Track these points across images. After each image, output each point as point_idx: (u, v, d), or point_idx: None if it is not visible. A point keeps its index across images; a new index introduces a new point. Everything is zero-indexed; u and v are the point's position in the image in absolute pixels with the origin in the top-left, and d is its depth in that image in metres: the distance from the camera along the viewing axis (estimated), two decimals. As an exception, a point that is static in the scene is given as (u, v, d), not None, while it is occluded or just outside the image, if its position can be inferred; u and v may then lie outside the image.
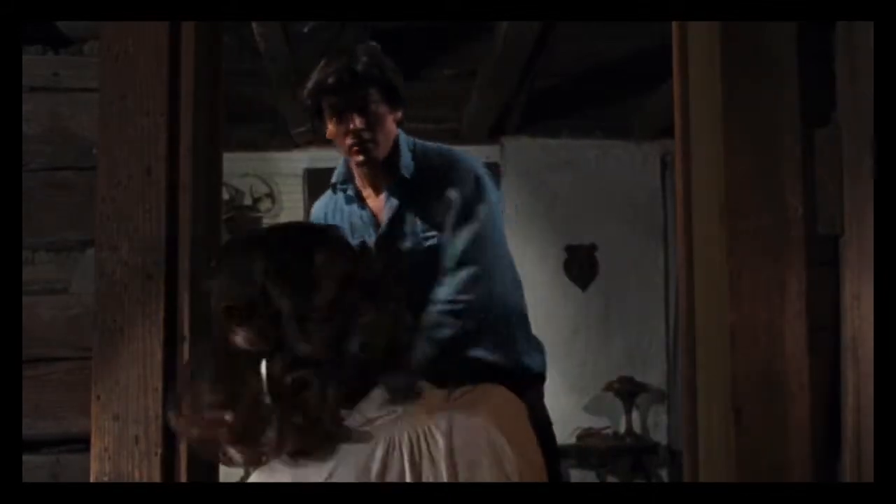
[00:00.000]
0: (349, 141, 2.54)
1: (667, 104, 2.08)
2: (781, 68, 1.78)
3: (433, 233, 2.60)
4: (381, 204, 2.65)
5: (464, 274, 2.56)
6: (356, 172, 2.67)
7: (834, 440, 1.76)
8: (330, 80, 2.51)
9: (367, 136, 2.53)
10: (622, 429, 5.48)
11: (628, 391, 5.42)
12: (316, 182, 5.32)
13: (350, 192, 2.69)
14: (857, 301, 1.74)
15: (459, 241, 2.57)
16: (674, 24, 1.96)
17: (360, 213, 2.68)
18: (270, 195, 5.33)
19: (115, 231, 1.73)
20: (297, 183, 5.36)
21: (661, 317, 5.55)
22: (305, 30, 4.19)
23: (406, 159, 2.62)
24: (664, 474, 5.44)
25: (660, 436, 5.54)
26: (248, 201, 5.29)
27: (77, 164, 1.79)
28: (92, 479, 1.68)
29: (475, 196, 2.59)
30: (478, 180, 2.61)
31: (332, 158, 5.26)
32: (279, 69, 4.17)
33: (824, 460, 1.75)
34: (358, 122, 2.51)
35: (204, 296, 1.40)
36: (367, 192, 2.68)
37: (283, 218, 5.36)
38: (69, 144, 1.80)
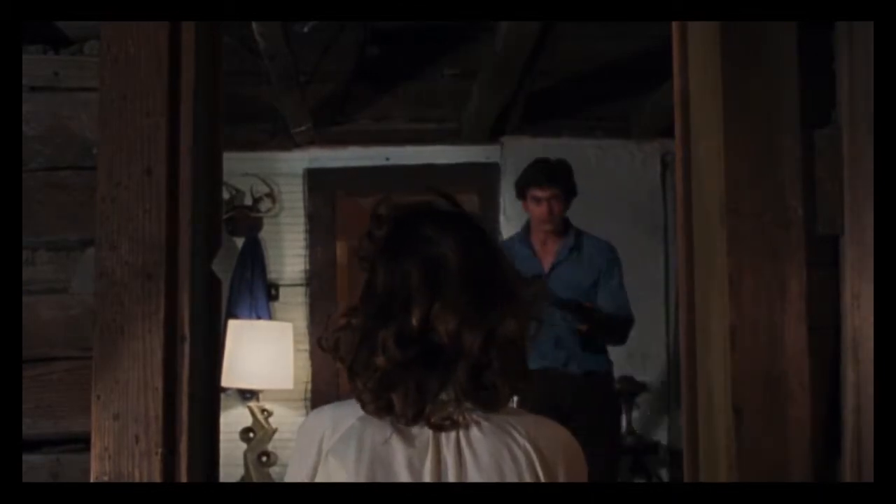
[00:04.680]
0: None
1: (667, 104, 2.08)
2: (781, 68, 1.78)
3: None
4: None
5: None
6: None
7: (834, 440, 1.76)
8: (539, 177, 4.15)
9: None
10: (622, 429, 5.47)
11: (628, 391, 5.41)
12: (316, 182, 5.31)
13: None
14: (857, 301, 1.74)
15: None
16: (674, 24, 1.96)
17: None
18: (271, 195, 5.31)
19: (115, 231, 1.73)
20: (298, 183, 5.34)
21: (661, 317, 5.53)
22: (305, 30, 4.19)
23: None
24: (664, 474, 5.43)
25: (660, 436, 5.53)
26: (248, 201, 5.27)
27: (77, 164, 1.79)
28: (92, 479, 1.68)
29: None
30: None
31: (332, 158, 5.30)
32: (279, 69, 4.16)
33: (824, 460, 1.75)
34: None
35: None
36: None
37: (284, 217, 5.35)
38: (69, 144, 1.80)
